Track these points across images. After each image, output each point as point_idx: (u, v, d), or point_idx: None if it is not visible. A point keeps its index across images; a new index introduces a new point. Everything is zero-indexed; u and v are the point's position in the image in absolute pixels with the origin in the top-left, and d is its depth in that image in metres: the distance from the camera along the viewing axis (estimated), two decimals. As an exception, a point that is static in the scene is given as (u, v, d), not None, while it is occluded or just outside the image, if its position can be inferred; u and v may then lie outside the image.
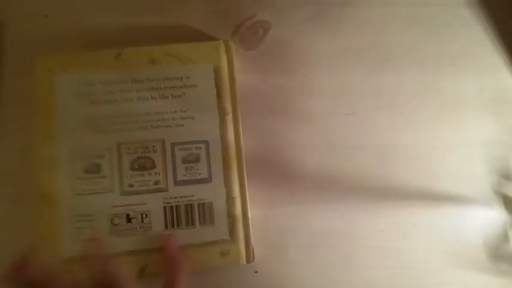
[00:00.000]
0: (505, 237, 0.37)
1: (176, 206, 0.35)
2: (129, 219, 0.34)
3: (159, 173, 0.35)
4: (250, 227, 0.35)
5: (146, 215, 0.35)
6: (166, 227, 0.35)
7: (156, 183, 0.35)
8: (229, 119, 0.36)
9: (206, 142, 0.35)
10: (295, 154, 0.37)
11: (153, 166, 0.35)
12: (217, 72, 0.36)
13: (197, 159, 0.35)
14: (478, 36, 0.39)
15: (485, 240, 0.37)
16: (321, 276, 0.37)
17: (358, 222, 0.37)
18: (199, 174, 0.35)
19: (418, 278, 0.37)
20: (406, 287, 0.37)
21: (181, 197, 0.35)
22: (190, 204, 0.35)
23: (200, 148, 0.35)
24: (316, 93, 0.38)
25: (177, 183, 0.35)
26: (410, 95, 0.39)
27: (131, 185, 0.35)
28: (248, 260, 0.35)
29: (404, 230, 0.37)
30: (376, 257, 0.37)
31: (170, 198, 0.35)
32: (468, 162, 0.38)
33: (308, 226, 0.37)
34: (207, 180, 0.35)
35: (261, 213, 0.36)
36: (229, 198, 0.35)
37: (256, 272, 0.37)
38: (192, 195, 0.35)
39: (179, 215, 0.35)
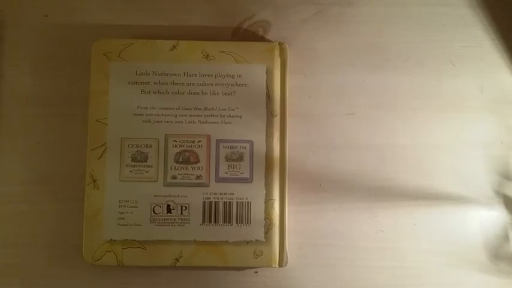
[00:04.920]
0: (505, 237, 0.37)
1: (215, 202, 0.35)
2: (169, 209, 0.35)
3: (202, 168, 0.35)
4: (287, 231, 0.35)
5: (186, 207, 0.35)
6: (204, 221, 0.35)
7: (198, 177, 0.35)
8: (277, 121, 0.36)
9: (251, 142, 0.36)
10: (295, 154, 0.37)
11: (197, 161, 0.35)
12: (269, 73, 0.36)
13: (240, 158, 0.36)
14: (478, 36, 0.39)
15: (486, 240, 0.37)
16: (321, 276, 0.37)
17: (358, 222, 0.37)
18: (241, 173, 0.36)
19: (418, 278, 0.37)
20: (406, 287, 0.37)
21: (221, 194, 0.35)
22: (229, 202, 0.35)
23: (245, 148, 0.36)
24: (316, 93, 0.38)
25: (218, 180, 0.35)
26: (410, 95, 0.38)
27: (174, 177, 0.35)
28: (281, 264, 0.35)
29: (404, 230, 0.37)
30: (376, 257, 0.37)
31: (210, 194, 0.35)
32: (468, 162, 0.38)
33: (308, 226, 0.37)
34: (248, 180, 0.36)
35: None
36: (268, 201, 0.35)
37: (256, 272, 0.37)
38: (232, 194, 0.35)
39: (217, 212, 0.35)
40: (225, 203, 0.35)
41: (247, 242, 0.35)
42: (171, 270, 0.36)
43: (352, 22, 0.39)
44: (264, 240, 0.35)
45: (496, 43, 0.39)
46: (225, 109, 0.36)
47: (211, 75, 0.36)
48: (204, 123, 0.36)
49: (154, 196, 0.35)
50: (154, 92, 0.36)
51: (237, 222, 0.35)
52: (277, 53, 0.37)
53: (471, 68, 0.39)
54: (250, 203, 0.35)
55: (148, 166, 0.35)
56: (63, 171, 0.37)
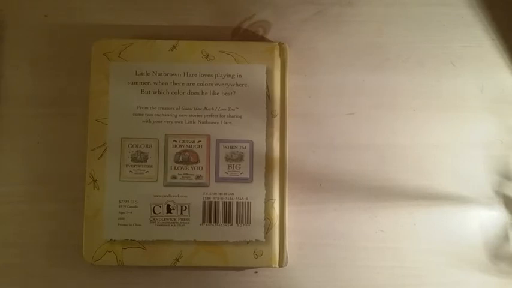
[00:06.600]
0: (505, 237, 0.37)
1: (215, 202, 0.35)
2: (169, 209, 0.35)
3: (202, 168, 0.35)
4: (287, 231, 0.35)
5: (186, 207, 0.35)
6: (204, 221, 0.35)
7: (198, 177, 0.35)
8: (277, 121, 0.36)
9: (251, 142, 0.36)
10: (295, 154, 0.37)
11: (197, 161, 0.36)
12: (269, 73, 0.36)
13: (240, 158, 0.36)
14: (478, 36, 0.39)
15: (486, 240, 0.37)
16: (321, 276, 0.37)
17: (358, 222, 0.37)
18: (241, 173, 0.36)
19: (418, 278, 0.37)
20: (406, 287, 0.37)
21: (221, 194, 0.35)
22: (229, 202, 0.35)
23: (245, 148, 0.36)
24: (316, 93, 0.38)
25: (218, 180, 0.36)
26: (410, 95, 0.38)
27: (174, 177, 0.35)
28: (281, 264, 0.35)
29: (404, 230, 0.37)
30: (376, 257, 0.37)
31: (210, 194, 0.35)
32: (468, 162, 0.38)
33: (308, 226, 0.37)
34: (248, 180, 0.36)
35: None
36: (268, 201, 0.35)
37: (256, 272, 0.37)
38: (232, 194, 0.35)
39: (217, 212, 0.35)
40: (225, 203, 0.35)
41: (247, 242, 0.35)
42: (171, 270, 0.36)
43: (352, 22, 0.39)
44: (264, 240, 0.35)
45: (496, 43, 0.39)
46: (225, 109, 0.36)
47: (211, 75, 0.36)
48: (204, 123, 0.36)
49: (154, 196, 0.35)
50: (154, 92, 0.36)
51: (237, 222, 0.35)
52: (277, 53, 0.37)
53: (471, 68, 0.39)
54: (250, 203, 0.35)
55: (148, 166, 0.35)
56: (63, 171, 0.37)
